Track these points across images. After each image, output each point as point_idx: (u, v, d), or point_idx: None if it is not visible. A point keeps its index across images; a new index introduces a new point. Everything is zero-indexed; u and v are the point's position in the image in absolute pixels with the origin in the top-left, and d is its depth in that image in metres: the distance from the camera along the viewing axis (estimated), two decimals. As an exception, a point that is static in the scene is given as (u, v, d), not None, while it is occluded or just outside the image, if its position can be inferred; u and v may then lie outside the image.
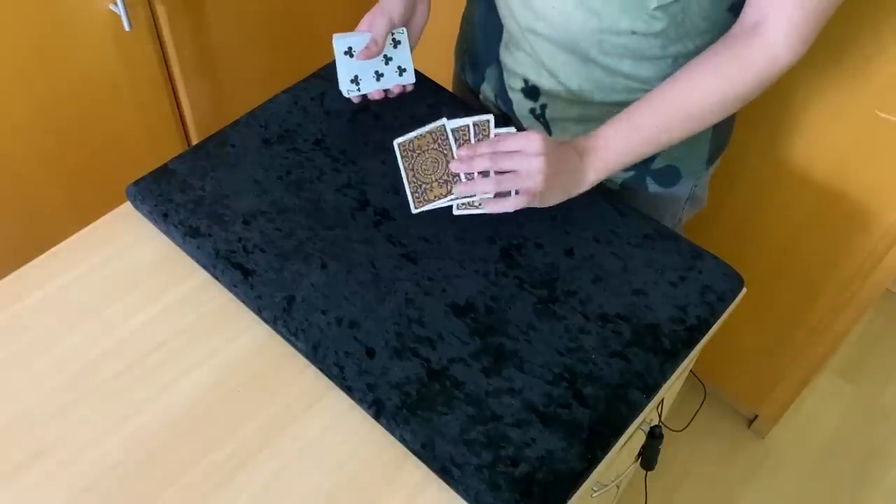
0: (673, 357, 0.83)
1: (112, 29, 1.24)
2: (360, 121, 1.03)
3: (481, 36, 1.06)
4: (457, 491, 0.74)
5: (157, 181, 0.95)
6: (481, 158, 0.85)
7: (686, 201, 1.08)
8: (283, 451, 0.77)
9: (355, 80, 0.99)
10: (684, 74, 0.84)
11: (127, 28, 1.21)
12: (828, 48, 1.11)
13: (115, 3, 1.19)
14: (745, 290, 0.91)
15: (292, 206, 0.93)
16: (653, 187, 1.02)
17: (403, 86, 1.02)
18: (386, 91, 1.01)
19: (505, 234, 0.92)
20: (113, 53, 1.27)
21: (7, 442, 0.76)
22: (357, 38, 0.97)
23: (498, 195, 0.87)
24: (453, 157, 0.89)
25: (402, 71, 1.01)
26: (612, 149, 0.87)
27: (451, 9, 1.04)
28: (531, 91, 1.00)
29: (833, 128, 1.18)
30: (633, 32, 0.85)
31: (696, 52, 0.88)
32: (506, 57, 1.01)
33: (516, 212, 0.94)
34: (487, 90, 1.08)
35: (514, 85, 1.02)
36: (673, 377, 0.84)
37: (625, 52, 0.88)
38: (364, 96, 1.01)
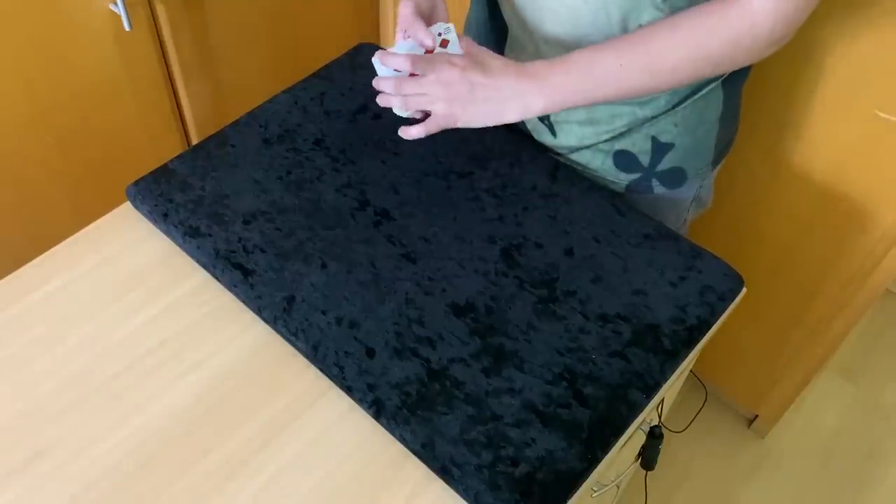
0: (673, 357, 0.83)
1: (112, 29, 1.24)
2: (360, 121, 1.03)
3: (485, 41, 1.05)
4: (457, 491, 0.74)
5: (157, 181, 0.95)
6: (389, 82, 0.85)
7: (691, 203, 1.08)
8: (283, 450, 0.77)
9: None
10: (659, 24, 0.81)
11: (127, 28, 1.21)
12: (828, 48, 1.11)
13: (115, 3, 1.19)
14: (745, 290, 0.91)
15: (292, 206, 0.93)
16: (658, 189, 1.02)
17: None
18: None
19: (505, 234, 0.92)
20: (113, 53, 1.27)
21: (7, 442, 0.76)
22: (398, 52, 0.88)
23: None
24: None
25: None
26: (568, 89, 0.84)
27: (458, 8, 1.04)
28: None
29: (833, 128, 1.18)
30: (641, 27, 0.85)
31: None
32: (510, 58, 1.00)
33: (516, 212, 0.94)
34: None
35: None
36: (673, 377, 0.84)
37: None
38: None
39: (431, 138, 0.92)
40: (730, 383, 1.69)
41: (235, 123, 1.03)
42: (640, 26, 0.83)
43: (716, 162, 1.05)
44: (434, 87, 0.84)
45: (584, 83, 0.83)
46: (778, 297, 1.44)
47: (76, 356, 0.82)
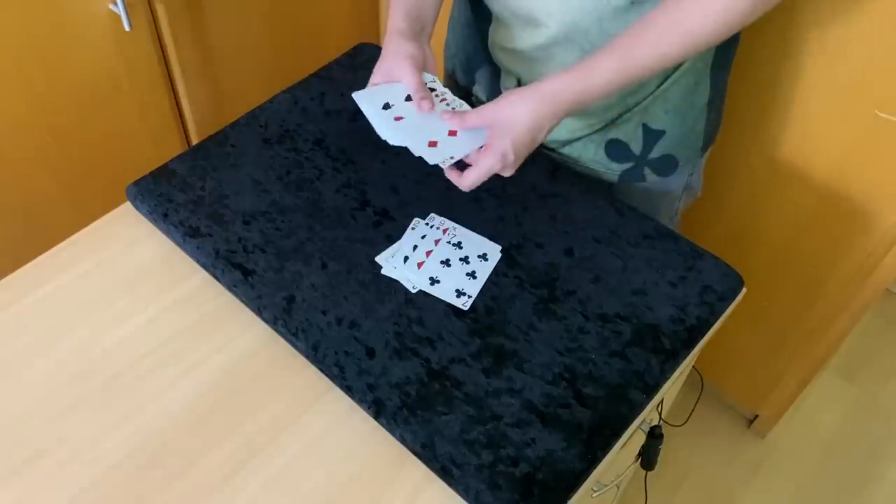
0: (673, 357, 0.83)
1: (112, 29, 1.24)
2: (360, 121, 1.03)
3: (470, 39, 1.06)
4: (457, 491, 0.74)
5: (157, 181, 0.95)
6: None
7: (683, 191, 1.09)
8: (283, 451, 0.77)
9: (434, 145, 0.86)
10: (645, 26, 0.80)
11: (127, 28, 1.21)
12: (828, 48, 1.11)
13: (115, 3, 1.19)
14: (744, 289, 0.91)
15: (292, 206, 0.93)
16: (651, 177, 1.03)
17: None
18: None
19: (505, 234, 0.92)
20: (113, 53, 1.27)
21: (7, 442, 0.76)
22: (384, 95, 0.87)
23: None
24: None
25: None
26: (602, 91, 0.82)
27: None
28: None
29: (833, 128, 1.18)
30: (632, 2, 0.84)
31: None
32: (499, 55, 1.01)
33: (516, 212, 0.94)
34: (479, 91, 1.09)
35: (508, 84, 1.02)
36: (673, 377, 0.84)
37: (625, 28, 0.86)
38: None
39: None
40: (730, 383, 1.69)
41: (235, 123, 1.03)
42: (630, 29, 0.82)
43: (705, 148, 1.06)
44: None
45: (617, 86, 0.82)
46: (778, 297, 1.44)
47: (76, 356, 0.82)
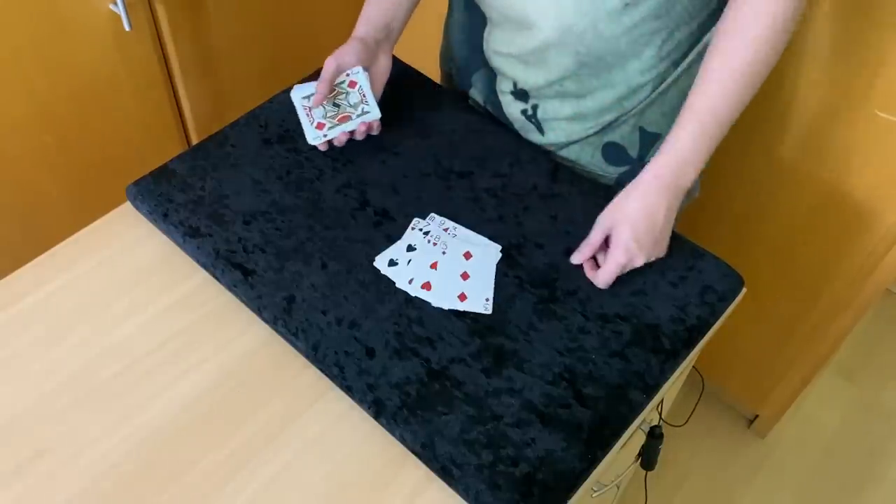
0: (673, 357, 0.83)
1: (112, 29, 1.24)
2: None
3: (466, 43, 1.05)
4: (457, 491, 0.74)
5: (157, 181, 0.95)
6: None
7: None
8: (283, 451, 0.77)
9: (320, 128, 0.96)
10: (720, 45, 0.83)
11: (127, 28, 1.21)
12: (829, 48, 1.11)
13: (115, 3, 1.19)
14: (745, 289, 0.91)
15: (292, 206, 0.93)
16: None
17: (369, 123, 0.97)
18: (351, 133, 0.97)
19: (505, 234, 0.92)
20: (113, 53, 1.27)
21: (7, 442, 0.76)
22: (313, 87, 0.96)
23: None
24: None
25: (363, 111, 0.96)
26: (702, 157, 0.87)
27: (437, 12, 1.03)
28: (520, 93, 1.00)
29: (833, 128, 1.18)
30: (626, 4, 0.84)
31: (689, 34, 0.89)
32: (495, 59, 1.00)
33: (516, 212, 0.94)
34: (476, 94, 1.08)
35: (504, 87, 1.01)
36: (673, 377, 0.84)
37: (621, 33, 0.87)
38: (331, 142, 0.97)
39: (428, 138, 0.91)
40: (730, 383, 1.69)
41: (235, 123, 1.03)
42: (707, 66, 0.84)
43: None
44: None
45: (713, 146, 0.87)
46: (778, 297, 1.44)
47: (76, 356, 0.82)
